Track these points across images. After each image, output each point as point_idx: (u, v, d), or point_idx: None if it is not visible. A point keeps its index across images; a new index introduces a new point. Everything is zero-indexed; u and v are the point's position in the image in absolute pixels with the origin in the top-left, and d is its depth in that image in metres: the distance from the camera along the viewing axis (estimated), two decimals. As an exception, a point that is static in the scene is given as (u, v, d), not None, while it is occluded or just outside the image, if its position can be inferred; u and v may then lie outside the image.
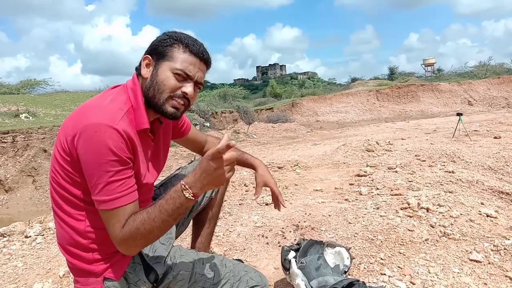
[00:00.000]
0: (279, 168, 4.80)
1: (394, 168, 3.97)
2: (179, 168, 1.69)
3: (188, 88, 1.17)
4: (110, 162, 1.03)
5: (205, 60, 1.21)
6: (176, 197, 1.04)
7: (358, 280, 1.53)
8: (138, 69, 1.21)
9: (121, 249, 1.10)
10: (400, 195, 2.92)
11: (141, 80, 1.19)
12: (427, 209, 2.49)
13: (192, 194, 1.04)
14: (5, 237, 2.90)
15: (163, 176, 1.70)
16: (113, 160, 1.03)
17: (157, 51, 1.17)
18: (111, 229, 1.07)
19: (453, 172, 3.56)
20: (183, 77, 1.16)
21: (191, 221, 1.74)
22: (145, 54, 1.20)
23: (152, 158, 1.28)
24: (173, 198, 1.04)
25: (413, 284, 1.75)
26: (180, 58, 1.16)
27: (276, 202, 1.68)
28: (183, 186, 1.04)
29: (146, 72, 1.18)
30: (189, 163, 1.71)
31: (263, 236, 2.45)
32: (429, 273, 1.82)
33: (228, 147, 1.00)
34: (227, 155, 1.01)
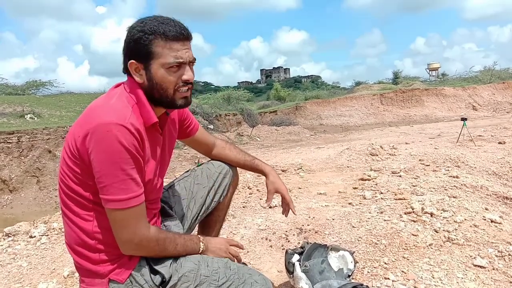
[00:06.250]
0: (283, 171, 4.80)
1: (398, 173, 3.96)
2: (187, 171, 1.68)
3: (187, 74, 1.18)
4: (124, 160, 1.04)
5: (187, 37, 1.19)
6: (195, 247, 1.29)
7: (362, 284, 1.54)
8: (126, 70, 1.19)
9: (134, 247, 1.12)
10: (404, 199, 2.91)
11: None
12: (431, 214, 2.48)
13: (201, 251, 1.30)
14: (10, 236, 2.92)
15: (167, 178, 1.70)
16: (127, 158, 1.05)
17: (140, 54, 1.14)
18: (132, 229, 1.09)
19: (457, 177, 3.55)
20: (178, 66, 1.16)
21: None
22: (127, 58, 1.16)
23: (160, 154, 1.29)
24: (192, 243, 1.29)
25: (417, 289, 1.75)
26: (166, 51, 1.14)
27: (286, 208, 1.67)
28: (202, 247, 1.31)
29: (139, 78, 1.17)
30: (197, 166, 1.70)
31: (266, 239, 2.46)
32: (433, 278, 1.82)
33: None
34: (236, 254, 1.38)
